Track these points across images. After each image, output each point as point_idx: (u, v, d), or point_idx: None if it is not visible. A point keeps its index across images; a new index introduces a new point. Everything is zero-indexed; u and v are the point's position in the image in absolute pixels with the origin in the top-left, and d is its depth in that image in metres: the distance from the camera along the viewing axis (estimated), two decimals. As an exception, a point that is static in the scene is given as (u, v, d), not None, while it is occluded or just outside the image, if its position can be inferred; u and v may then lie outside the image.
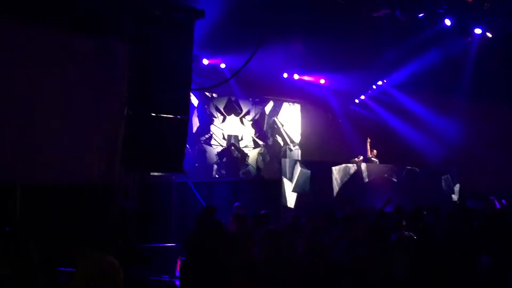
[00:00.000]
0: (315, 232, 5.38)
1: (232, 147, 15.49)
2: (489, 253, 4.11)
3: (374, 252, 4.45)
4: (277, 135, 16.64)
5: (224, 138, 15.46)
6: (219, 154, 15.22)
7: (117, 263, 2.55)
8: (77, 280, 2.47)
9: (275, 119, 16.67)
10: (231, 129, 15.64)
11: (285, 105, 16.99)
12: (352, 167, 13.60)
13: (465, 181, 14.88)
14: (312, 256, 4.82)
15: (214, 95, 15.38)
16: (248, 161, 15.82)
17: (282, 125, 16.79)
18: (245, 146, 15.83)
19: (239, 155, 15.61)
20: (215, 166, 15.09)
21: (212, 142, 15.27)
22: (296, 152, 16.83)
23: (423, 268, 3.61)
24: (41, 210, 6.73)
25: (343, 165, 13.53)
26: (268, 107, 16.60)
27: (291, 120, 17.01)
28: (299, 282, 4.40)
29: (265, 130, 16.40)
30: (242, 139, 15.82)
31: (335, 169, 13.22)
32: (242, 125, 15.94)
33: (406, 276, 3.57)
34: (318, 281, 3.64)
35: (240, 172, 15.50)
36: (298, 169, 12.56)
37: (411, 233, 4.17)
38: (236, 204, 8.88)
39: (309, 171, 12.65)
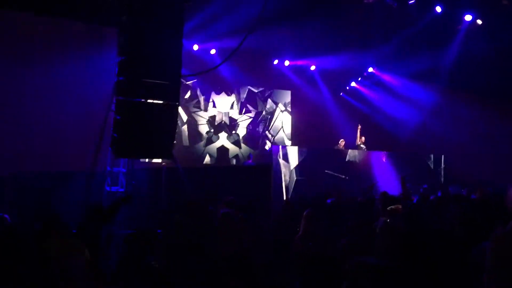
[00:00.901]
0: (310, 219, 5.40)
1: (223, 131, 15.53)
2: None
3: (359, 240, 4.52)
4: (268, 121, 16.65)
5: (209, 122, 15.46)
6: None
7: (81, 244, 2.90)
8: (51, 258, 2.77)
9: (266, 105, 16.67)
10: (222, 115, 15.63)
11: (276, 91, 16.99)
12: (339, 153, 13.71)
13: (449, 168, 15.00)
14: (307, 241, 4.88)
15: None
16: (240, 147, 15.85)
17: (273, 112, 16.80)
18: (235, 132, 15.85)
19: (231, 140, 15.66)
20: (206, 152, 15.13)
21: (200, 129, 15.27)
22: (287, 139, 16.89)
23: (410, 256, 3.65)
24: (31, 197, 6.75)
25: (332, 149, 13.65)
26: (259, 94, 16.58)
27: (281, 106, 17.02)
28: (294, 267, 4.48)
29: (255, 117, 16.40)
30: (234, 125, 15.84)
31: (325, 154, 13.32)
32: (232, 110, 15.94)
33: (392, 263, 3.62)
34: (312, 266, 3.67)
35: (231, 158, 15.57)
36: (289, 155, 12.63)
37: (394, 220, 4.22)
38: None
39: (300, 157, 12.71)
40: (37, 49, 7.01)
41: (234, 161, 15.60)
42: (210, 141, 15.37)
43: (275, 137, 16.72)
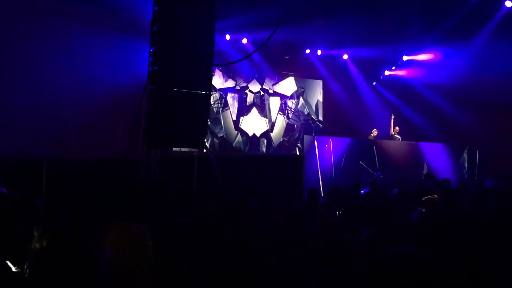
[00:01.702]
0: (327, 209, 5.38)
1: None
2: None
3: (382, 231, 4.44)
4: (299, 112, 16.54)
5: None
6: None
7: (144, 230, 2.65)
8: (108, 246, 2.58)
9: (298, 95, 16.56)
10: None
11: (308, 81, 16.85)
12: (371, 143, 13.57)
13: (484, 162, 14.65)
14: (324, 232, 4.84)
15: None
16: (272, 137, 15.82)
17: (305, 102, 16.68)
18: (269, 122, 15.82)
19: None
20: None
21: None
22: (319, 129, 16.76)
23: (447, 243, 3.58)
24: (66, 182, 6.89)
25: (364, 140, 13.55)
26: (291, 84, 16.48)
27: (313, 96, 16.89)
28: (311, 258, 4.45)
29: (288, 106, 16.32)
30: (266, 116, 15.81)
31: (357, 145, 13.23)
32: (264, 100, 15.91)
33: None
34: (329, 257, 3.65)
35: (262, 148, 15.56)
36: (323, 145, 12.62)
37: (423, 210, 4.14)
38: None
39: (334, 148, 12.68)
40: (75, 38, 7.13)
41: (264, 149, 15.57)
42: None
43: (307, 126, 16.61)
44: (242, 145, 15.22)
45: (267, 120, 15.74)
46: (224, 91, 14.99)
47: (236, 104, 15.25)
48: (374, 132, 14.48)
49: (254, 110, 15.55)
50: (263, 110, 15.75)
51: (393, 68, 17.33)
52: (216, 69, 14.02)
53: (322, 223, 5.19)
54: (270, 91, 15.95)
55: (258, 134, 15.51)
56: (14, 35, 6.85)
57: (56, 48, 7.15)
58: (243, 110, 15.36)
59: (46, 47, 6.95)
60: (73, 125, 7.14)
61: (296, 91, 16.46)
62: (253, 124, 15.49)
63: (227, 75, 15.00)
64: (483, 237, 3.88)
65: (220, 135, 14.80)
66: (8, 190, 6.10)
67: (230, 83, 15.14)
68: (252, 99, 15.55)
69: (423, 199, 5.66)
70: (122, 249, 2.53)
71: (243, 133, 15.28)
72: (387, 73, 17.60)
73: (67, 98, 7.21)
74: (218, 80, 14.69)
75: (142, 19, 8.04)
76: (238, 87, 15.29)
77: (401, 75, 17.36)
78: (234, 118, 15.17)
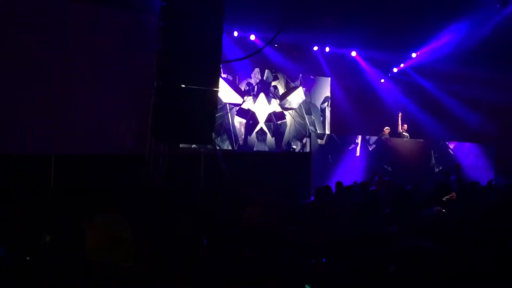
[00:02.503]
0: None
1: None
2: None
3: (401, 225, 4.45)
4: (306, 108, 16.50)
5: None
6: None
7: (123, 220, 2.70)
8: (89, 240, 2.61)
9: (306, 92, 16.51)
10: (260, 102, 15.58)
11: (316, 78, 16.79)
12: (382, 140, 13.54)
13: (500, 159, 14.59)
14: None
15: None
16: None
17: (312, 98, 16.63)
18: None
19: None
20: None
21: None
22: (327, 126, 16.72)
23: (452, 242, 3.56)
24: (74, 178, 6.92)
25: (373, 138, 13.51)
26: (299, 81, 16.44)
27: (321, 93, 16.83)
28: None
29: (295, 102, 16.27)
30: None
31: (365, 142, 13.20)
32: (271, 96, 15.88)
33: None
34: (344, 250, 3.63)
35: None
36: (330, 142, 12.63)
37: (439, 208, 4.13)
38: None
39: (340, 144, 12.68)
40: (81, 35, 7.14)
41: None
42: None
43: (316, 124, 16.57)
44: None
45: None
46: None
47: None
48: (386, 130, 14.38)
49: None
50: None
51: (401, 65, 17.24)
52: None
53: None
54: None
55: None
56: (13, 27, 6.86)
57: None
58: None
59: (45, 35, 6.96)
60: (79, 120, 7.15)
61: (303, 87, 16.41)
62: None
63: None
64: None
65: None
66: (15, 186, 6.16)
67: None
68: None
69: (443, 199, 5.70)
70: (102, 239, 2.59)
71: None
72: (395, 70, 17.54)
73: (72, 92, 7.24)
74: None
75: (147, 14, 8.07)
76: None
77: (411, 71, 17.29)
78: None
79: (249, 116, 15.19)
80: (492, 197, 6.99)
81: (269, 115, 15.59)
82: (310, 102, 16.49)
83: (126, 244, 2.69)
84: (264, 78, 15.63)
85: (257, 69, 15.47)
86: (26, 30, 6.76)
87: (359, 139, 13.13)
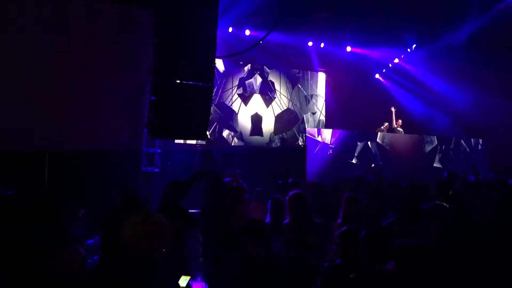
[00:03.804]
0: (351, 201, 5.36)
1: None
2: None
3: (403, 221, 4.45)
4: (301, 103, 16.52)
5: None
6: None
7: (164, 219, 2.69)
8: (127, 235, 2.61)
9: (300, 87, 16.52)
10: (254, 100, 15.58)
11: (310, 73, 16.81)
12: (379, 136, 13.56)
13: (495, 155, 14.67)
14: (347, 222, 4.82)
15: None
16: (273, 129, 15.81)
17: (307, 94, 16.64)
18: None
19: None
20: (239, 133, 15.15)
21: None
22: (321, 121, 16.74)
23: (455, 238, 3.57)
24: (68, 174, 6.89)
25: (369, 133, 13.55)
26: (293, 76, 16.44)
27: (316, 88, 16.85)
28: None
29: (290, 98, 16.28)
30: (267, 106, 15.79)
31: (361, 137, 13.24)
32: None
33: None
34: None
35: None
36: (325, 138, 12.63)
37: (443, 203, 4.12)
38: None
39: (336, 140, 12.70)
40: (76, 29, 7.08)
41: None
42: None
43: (310, 120, 16.59)
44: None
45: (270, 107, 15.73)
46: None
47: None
48: (385, 126, 14.36)
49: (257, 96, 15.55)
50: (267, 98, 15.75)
51: (396, 60, 17.25)
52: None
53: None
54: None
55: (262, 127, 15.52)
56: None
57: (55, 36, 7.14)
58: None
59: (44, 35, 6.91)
60: (72, 117, 7.11)
61: (298, 83, 16.40)
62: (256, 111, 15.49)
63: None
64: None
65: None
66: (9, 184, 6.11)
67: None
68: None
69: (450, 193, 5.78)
70: (141, 236, 2.58)
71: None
72: (390, 65, 17.56)
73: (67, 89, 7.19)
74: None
75: (143, 10, 8.02)
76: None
77: (406, 67, 17.31)
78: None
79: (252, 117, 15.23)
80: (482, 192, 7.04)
81: (264, 110, 15.61)
82: (305, 97, 16.50)
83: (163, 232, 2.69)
84: (257, 74, 15.63)
85: (249, 65, 15.48)
86: (24, 25, 6.71)
87: (355, 134, 13.17)
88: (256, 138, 15.30)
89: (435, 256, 2.58)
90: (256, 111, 15.43)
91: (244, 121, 15.22)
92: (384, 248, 3.11)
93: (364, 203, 5.28)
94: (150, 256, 2.58)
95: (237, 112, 15.12)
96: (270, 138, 15.60)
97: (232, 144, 14.78)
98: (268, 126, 15.65)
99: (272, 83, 15.91)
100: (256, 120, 15.40)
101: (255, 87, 15.58)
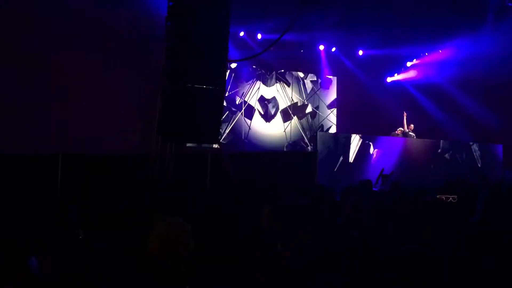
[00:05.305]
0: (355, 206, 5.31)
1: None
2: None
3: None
4: (313, 108, 16.47)
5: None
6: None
7: (187, 225, 2.69)
8: (152, 241, 2.61)
9: (312, 91, 16.48)
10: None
11: (321, 77, 16.75)
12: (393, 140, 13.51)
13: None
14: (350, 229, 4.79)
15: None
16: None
17: (318, 98, 16.60)
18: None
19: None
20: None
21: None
22: (333, 125, 16.68)
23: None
24: (80, 178, 6.93)
25: (383, 137, 13.49)
26: (305, 79, 16.42)
27: (327, 92, 16.79)
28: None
29: (302, 102, 16.25)
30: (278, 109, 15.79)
31: (374, 142, 13.19)
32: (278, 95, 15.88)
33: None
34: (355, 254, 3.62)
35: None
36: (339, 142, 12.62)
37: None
38: None
39: (347, 144, 12.68)
40: (91, 36, 7.17)
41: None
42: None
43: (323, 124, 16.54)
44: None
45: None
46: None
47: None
48: (399, 131, 14.29)
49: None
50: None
51: (408, 64, 17.14)
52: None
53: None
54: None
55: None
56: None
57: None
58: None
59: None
60: (84, 120, 7.17)
61: (310, 87, 16.38)
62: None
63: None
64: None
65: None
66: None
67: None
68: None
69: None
70: (166, 243, 2.58)
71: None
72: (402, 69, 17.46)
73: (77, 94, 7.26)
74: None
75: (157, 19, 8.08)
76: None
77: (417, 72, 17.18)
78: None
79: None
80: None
81: (277, 113, 15.61)
82: (317, 101, 16.48)
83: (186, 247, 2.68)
84: (269, 78, 15.64)
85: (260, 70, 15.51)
86: (41, 32, 6.80)
87: (365, 139, 13.11)
88: (269, 142, 15.30)
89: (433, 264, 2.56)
90: (268, 114, 15.44)
91: (257, 125, 15.23)
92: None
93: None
94: (174, 266, 2.58)
95: (250, 117, 15.15)
96: (287, 141, 15.60)
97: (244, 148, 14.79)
98: (279, 130, 15.65)
99: (284, 86, 15.90)
100: (269, 121, 15.42)
101: (267, 90, 15.58)
